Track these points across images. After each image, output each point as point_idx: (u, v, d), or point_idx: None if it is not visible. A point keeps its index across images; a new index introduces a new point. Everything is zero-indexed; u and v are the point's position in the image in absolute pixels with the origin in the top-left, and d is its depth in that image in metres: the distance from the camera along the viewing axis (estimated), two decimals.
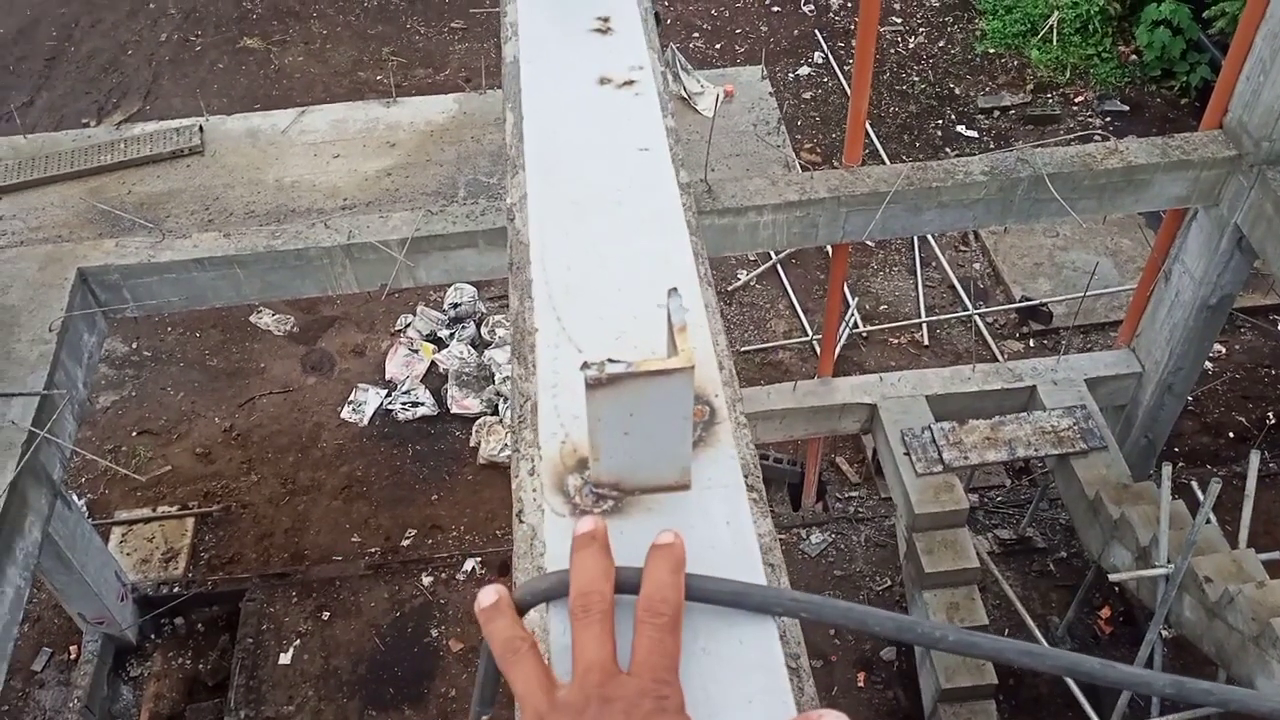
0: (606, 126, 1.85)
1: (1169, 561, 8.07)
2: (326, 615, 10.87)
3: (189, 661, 10.69)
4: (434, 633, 10.72)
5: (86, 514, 11.03)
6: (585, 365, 1.15)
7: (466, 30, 17.47)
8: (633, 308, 1.52)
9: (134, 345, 13.19)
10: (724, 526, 1.29)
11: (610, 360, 1.16)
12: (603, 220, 1.68)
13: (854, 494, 11.87)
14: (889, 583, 11.04)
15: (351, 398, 12.57)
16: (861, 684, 10.37)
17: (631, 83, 1.94)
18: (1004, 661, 1.21)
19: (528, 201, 1.71)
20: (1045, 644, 9.75)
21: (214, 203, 8.86)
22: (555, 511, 1.30)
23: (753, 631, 1.20)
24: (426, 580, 11.09)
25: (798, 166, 10.19)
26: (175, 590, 10.93)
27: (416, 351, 12.95)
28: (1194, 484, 9.45)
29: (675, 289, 1.23)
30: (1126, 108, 15.75)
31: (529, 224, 1.66)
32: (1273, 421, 12.16)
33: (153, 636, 10.78)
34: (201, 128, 9.57)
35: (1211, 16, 14.85)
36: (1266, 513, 10.83)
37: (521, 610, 1.21)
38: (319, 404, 12.63)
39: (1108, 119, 15.57)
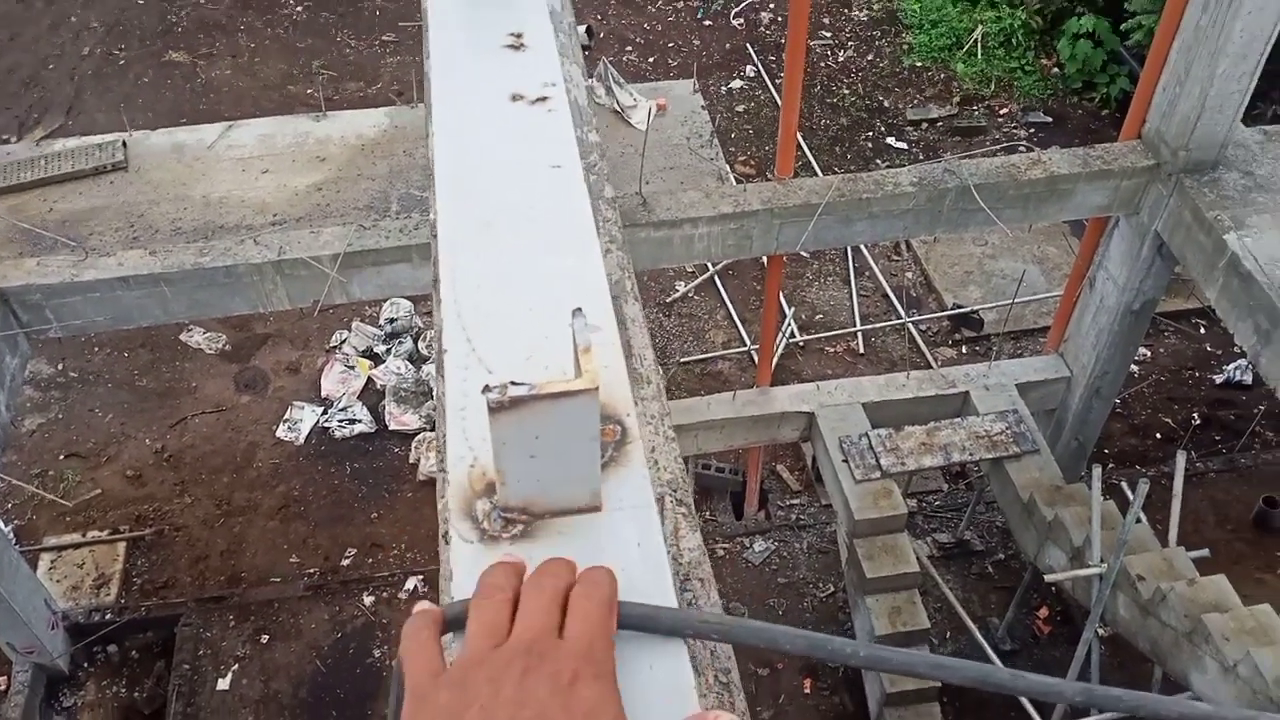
0: (519, 144, 1.84)
1: (1102, 561, 8.23)
2: (265, 638, 10.66)
3: (123, 690, 10.41)
4: (376, 653, 10.57)
5: (13, 540, 10.70)
6: (487, 388, 1.13)
7: (398, 43, 17.35)
8: (544, 327, 1.50)
9: (59, 366, 12.86)
10: (635, 548, 1.28)
11: (513, 383, 1.14)
12: (514, 239, 1.66)
13: (795, 501, 11.94)
14: (832, 589, 11.11)
15: (287, 416, 12.37)
16: (808, 690, 10.42)
17: (544, 99, 1.92)
18: (914, 675, 1.21)
19: (438, 221, 1.68)
20: (987, 646, 9.88)
21: (139, 220, 8.69)
22: (463, 538, 1.28)
23: (663, 655, 1.19)
24: (368, 600, 10.93)
25: (731, 179, 10.26)
26: (108, 617, 10.64)
27: (353, 368, 12.79)
28: (1124, 484, 9.64)
29: (579, 309, 1.22)
30: (1050, 119, 16.10)
31: (439, 243, 1.64)
32: (1198, 422, 12.47)
33: (85, 665, 10.48)
34: (125, 143, 9.38)
35: (1129, 29, 15.25)
36: (1194, 511, 11.10)
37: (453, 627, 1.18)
38: (253, 423, 12.40)
39: (1032, 130, 15.89)
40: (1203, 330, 13.36)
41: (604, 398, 1.29)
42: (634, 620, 1.18)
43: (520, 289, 1.57)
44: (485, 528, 1.29)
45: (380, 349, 12.97)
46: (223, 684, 10.34)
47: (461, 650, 1.10)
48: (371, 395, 12.62)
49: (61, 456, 12.04)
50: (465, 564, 1.26)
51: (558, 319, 1.50)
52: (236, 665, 10.47)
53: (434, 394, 12.45)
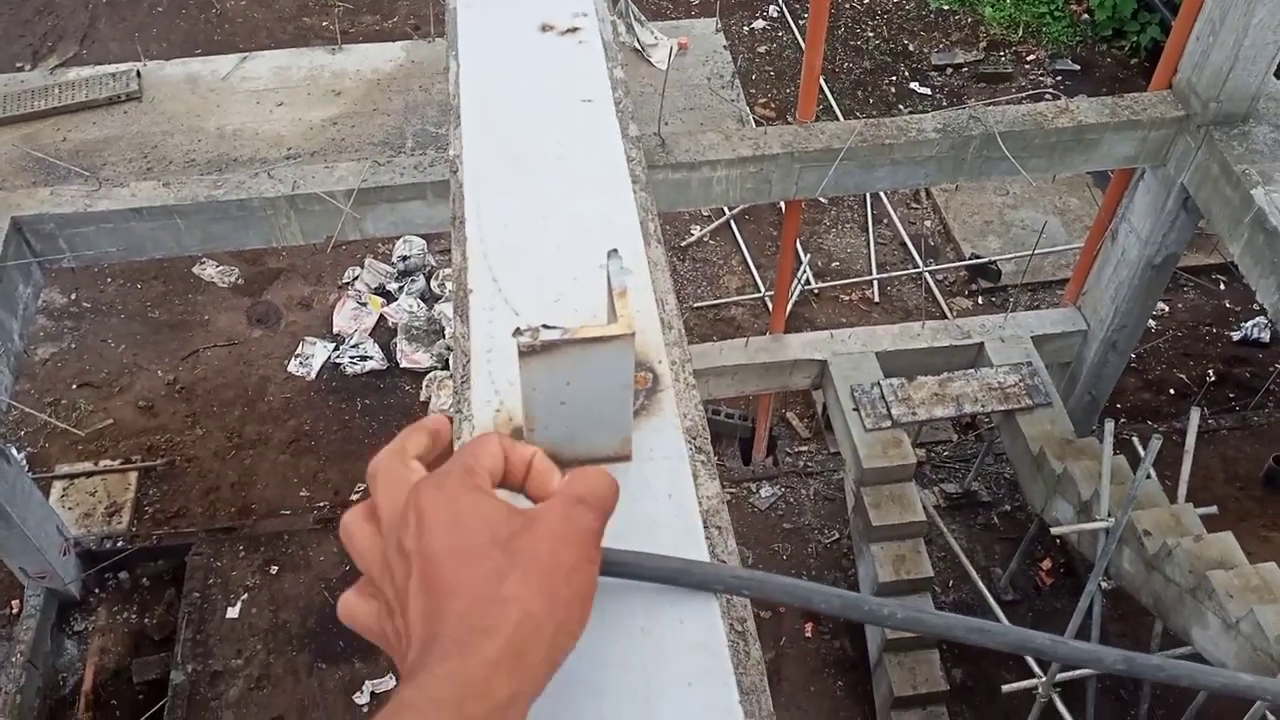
0: (548, 76, 1.77)
1: (1109, 515, 8.21)
2: (275, 569, 10.77)
3: (134, 616, 10.55)
4: None
5: (26, 468, 10.79)
6: (518, 331, 1.08)
7: None
8: (573, 268, 1.45)
9: (73, 296, 12.85)
10: (665, 499, 1.24)
11: (545, 326, 1.09)
12: (543, 176, 1.60)
13: (804, 449, 11.94)
14: (837, 535, 11.15)
15: (298, 351, 12.37)
16: (809, 634, 10.51)
17: (575, 30, 1.85)
18: (954, 639, 1.18)
19: (464, 156, 1.63)
20: (989, 596, 9.91)
21: (152, 151, 8.61)
22: None
23: (694, 610, 1.15)
24: None
25: (752, 121, 10.10)
26: (119, 544, 10.76)
27: (365, 305, 12.76)
28: (1135, 440, 9.59)
29: (615, 250, 1.17)
30: (1078, 67, 15.80)
31: (465, 180, 1.59)
32: (1213, 379, 12.39)
33: (97, 591, 10.62)
34: (139, 73, 9.26)
35: None
36: (1205, 468, 11.06)
37: None
38: (265, 357, 12.41)
39: (1059, 78, 15.60)
40: (1223, 286, 13.21)
41: (637, 344, 1.24)
42: (665, 574, 1.15)
43: (549, 228, 1.52)
44: None
45: (392, 286, 12.93)
46: (232, 612, 10.47)
47: None
48: (383, 333, 12.60)
49: (74, 386, 12.08)
50: None
51: (588, 260, 1.45)
52: (246, 595, 10.59)
53: (449, 334, 12.46)
